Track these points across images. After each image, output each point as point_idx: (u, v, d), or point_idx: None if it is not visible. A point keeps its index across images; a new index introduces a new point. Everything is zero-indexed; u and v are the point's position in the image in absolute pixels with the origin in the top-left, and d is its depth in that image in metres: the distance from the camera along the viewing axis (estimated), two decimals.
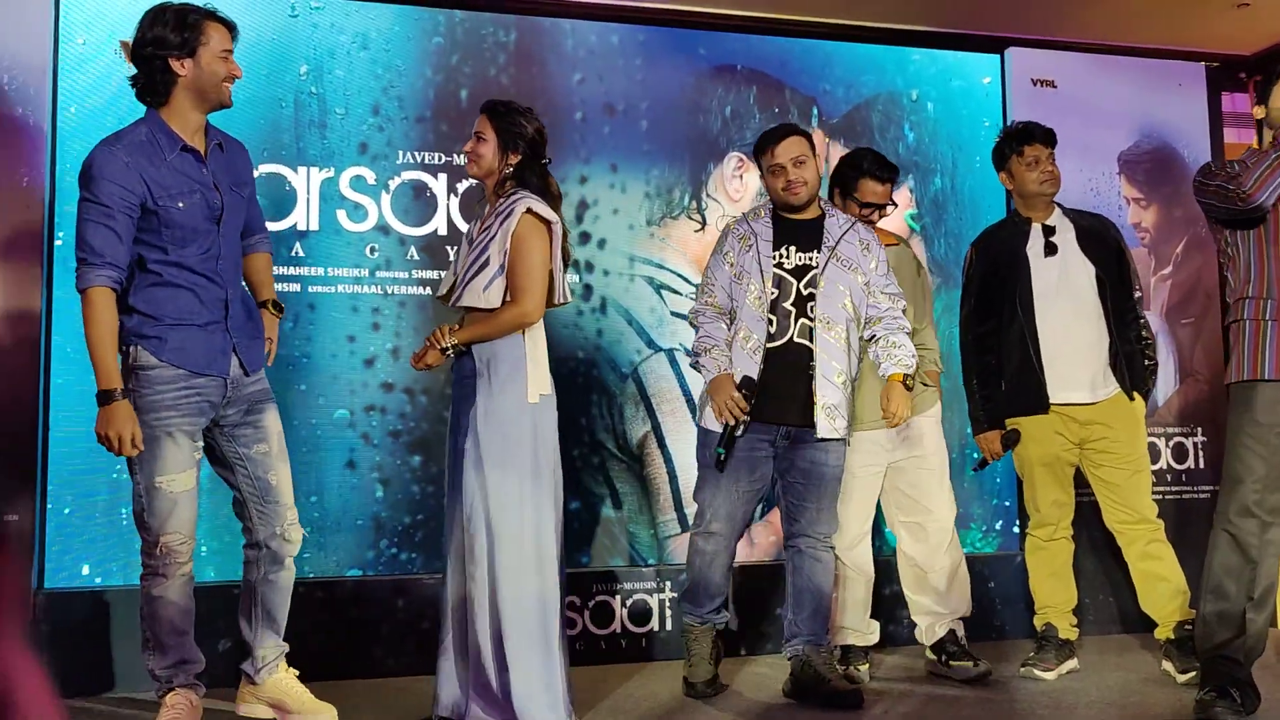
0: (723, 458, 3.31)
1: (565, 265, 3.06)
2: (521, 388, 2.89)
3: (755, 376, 3.30)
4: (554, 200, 3.02)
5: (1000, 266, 3.74)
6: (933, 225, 4.66)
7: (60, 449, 3.68)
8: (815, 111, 4.60)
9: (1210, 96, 4.93)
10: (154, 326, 2.85)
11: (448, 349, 2.94)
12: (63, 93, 3.80)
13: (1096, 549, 4.30)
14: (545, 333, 3.00)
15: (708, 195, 4.44)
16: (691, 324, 3.54)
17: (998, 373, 3.73)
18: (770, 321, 3.32)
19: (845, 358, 3.34)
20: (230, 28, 2.94)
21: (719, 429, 3.32)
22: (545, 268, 2.94)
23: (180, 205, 2.85)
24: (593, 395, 4.27)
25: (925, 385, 3.73)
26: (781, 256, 3.38)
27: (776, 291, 3.34)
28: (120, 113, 3.85)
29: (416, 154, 4.17)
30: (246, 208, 3.11)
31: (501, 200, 3.01)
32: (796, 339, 3.33)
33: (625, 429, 4.29)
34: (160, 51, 2.83)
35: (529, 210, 2.92)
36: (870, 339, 3.41)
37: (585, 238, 4.31)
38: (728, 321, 3.41)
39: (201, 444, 2.95)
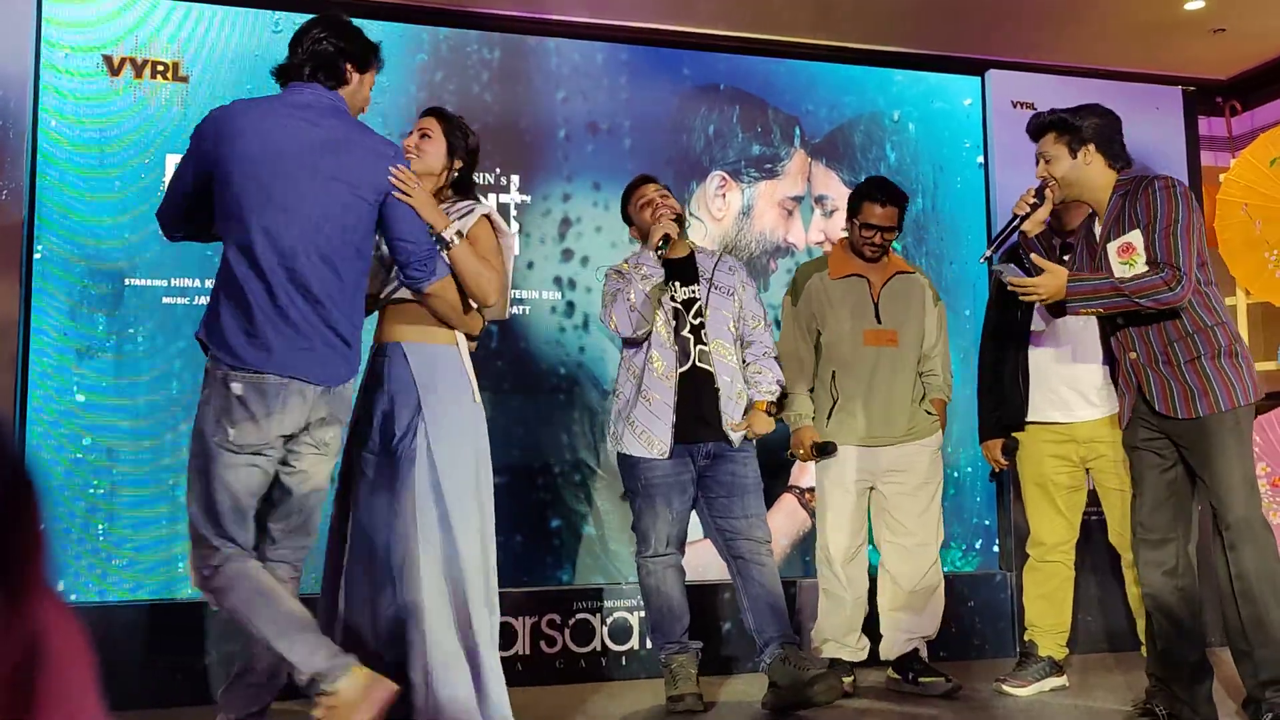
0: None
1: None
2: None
3: (671, 403, 3.48)
4: None
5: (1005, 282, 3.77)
6: (914, 245, 4.69)
7: (37, 466, 3.65)
8: (798, 131, 4.62)
9: (1187, 120, 4.99)
10: None
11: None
12: (43, 106, 3.78)
13: (1079, 569, 4.31)
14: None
15: (691, 214, 4.45)
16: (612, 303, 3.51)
17: (999, 386, 3.77)
18: (675, 350, 3.51)
19: (740, 375, 3.58)
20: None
21: (644, 454, 3.47)
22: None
23: None
24: (574, 412, 4.27)
25: (928, 414, 3.78)
26: (672, 290, 3.58)
27: (675, 322, 3.54)
28: (102, 126, 3.84)
29: None
30: None
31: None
32: (698, 364, 3.53)
33: (607, 446, 4.28)
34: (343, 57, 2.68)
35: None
36: (742, 363, 3.62)
37: (568, 255, 4.32)
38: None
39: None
